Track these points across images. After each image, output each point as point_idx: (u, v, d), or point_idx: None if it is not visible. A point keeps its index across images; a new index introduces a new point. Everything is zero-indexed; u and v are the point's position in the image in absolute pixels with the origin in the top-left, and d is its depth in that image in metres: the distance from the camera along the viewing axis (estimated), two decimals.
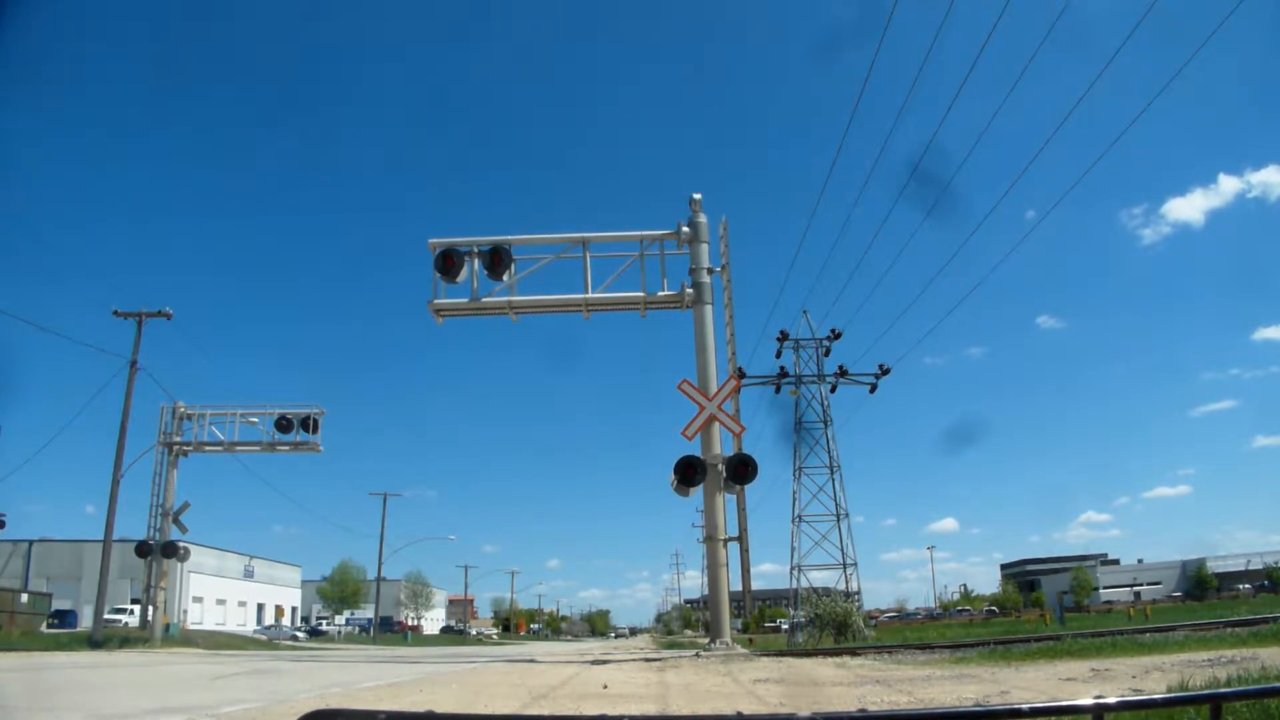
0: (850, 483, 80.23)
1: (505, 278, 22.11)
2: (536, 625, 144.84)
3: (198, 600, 67.95)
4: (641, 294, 22.02)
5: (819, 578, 41.29)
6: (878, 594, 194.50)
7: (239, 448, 35.03)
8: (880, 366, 39.71)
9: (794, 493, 41.32)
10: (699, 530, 43.62)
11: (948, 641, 21.80)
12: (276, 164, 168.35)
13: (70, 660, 22.80)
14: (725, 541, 20.78)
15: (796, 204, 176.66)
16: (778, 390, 40.87)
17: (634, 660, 20.55)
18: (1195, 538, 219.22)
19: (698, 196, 22.15)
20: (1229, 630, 17.20)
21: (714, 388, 20.94)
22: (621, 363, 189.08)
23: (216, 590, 72.62)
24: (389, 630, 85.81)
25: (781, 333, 40.98)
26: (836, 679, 12.16)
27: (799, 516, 40.98)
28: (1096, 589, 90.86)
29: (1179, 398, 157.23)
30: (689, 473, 19.88)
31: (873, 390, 40.02)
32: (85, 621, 47.24)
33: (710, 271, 21.98)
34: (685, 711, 8.85)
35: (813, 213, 48.55)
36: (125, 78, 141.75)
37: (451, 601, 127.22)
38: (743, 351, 40.64)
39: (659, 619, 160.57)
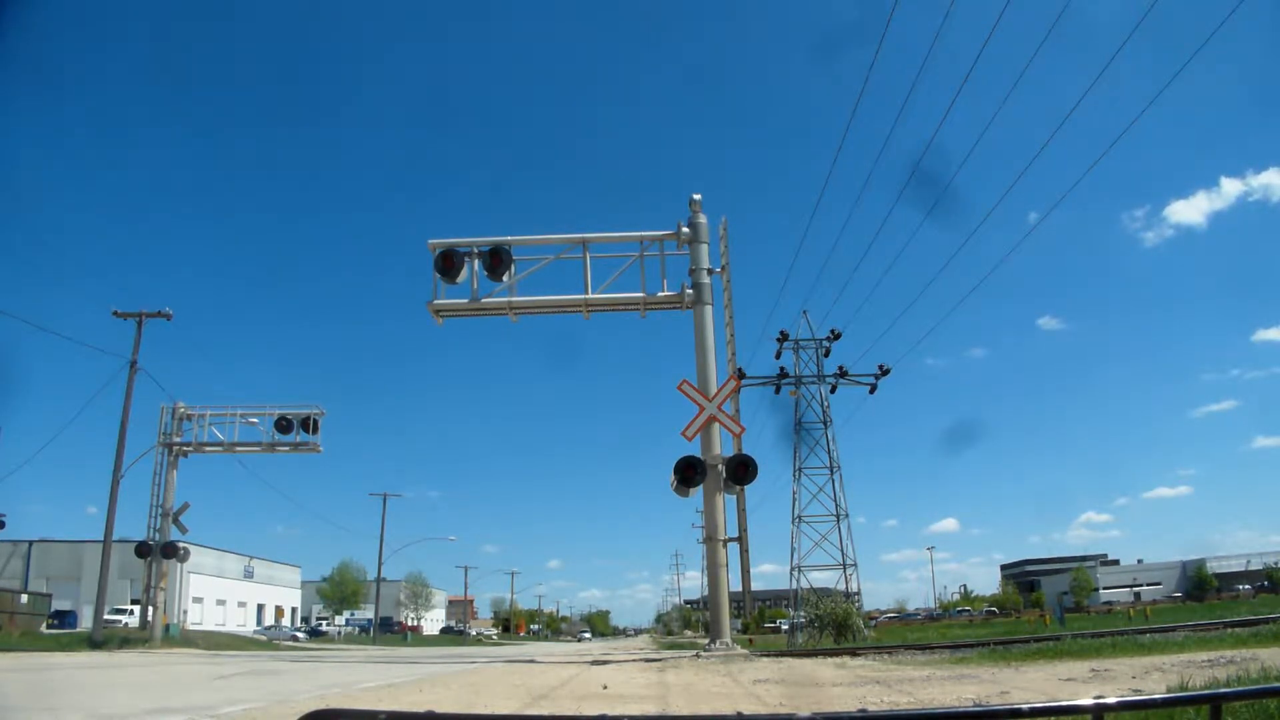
0: (850, 483, 79.90)
1: (505, 278, 22.12)
2: (536, 626, 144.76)
3: (197, 601, 67.94)
4: (641, 294, 22.02)
5: (819, 578, 41.37)
6: (878, 594, 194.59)
7: (239, 448, 35.04)
8: (880, 367, 39.75)
9: (794, 493, 41.38)
10: (699, 530, 43.67)
11: (948, 642, 21.78)
12: (276, 164, 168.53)
13: (70, 661, 22.78)
14: (725, 542, 20.78)
15: (796, 204, 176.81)
16: (778, 391, 40.91)
17: (634, 661, 20.52)
18: (1195, 538, 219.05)
19: (697, 197, 22.17)
20: (1229, 631, 17.21)
21: (714, 388, 20.94)
22: (621, 363, 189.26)
23: (216, 591, 72.60)
24: (389, 631, 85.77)
25: (781, 333, 41.04)
26: (836, 679, 12.15)
27: (799, 517, 41.02)
28: (1096, 589, 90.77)
29: (1179, 398, 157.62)
30: (689, 473, 19.88)
31: (872, 391, 40.07)
32: (85, 622, 47.20)
33: (710, 272, 21.98)
34: (685, 712, 8.85)
35: (813, 213, 48.71)
36: (125, 78, 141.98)
37: (451, 602, 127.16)
38: (743, 352, 40.65)
39: (659, 619, 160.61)
